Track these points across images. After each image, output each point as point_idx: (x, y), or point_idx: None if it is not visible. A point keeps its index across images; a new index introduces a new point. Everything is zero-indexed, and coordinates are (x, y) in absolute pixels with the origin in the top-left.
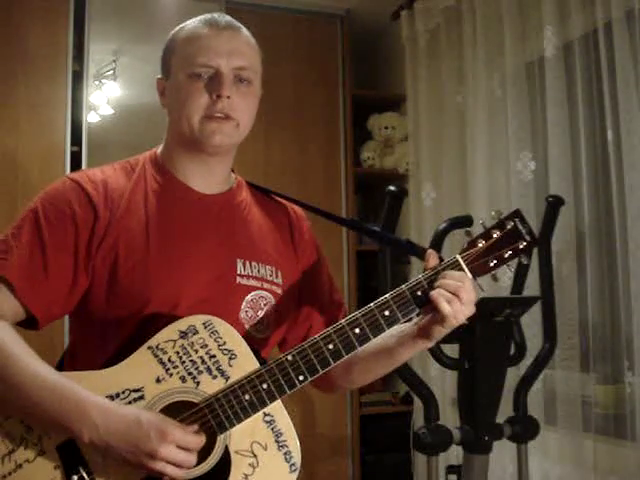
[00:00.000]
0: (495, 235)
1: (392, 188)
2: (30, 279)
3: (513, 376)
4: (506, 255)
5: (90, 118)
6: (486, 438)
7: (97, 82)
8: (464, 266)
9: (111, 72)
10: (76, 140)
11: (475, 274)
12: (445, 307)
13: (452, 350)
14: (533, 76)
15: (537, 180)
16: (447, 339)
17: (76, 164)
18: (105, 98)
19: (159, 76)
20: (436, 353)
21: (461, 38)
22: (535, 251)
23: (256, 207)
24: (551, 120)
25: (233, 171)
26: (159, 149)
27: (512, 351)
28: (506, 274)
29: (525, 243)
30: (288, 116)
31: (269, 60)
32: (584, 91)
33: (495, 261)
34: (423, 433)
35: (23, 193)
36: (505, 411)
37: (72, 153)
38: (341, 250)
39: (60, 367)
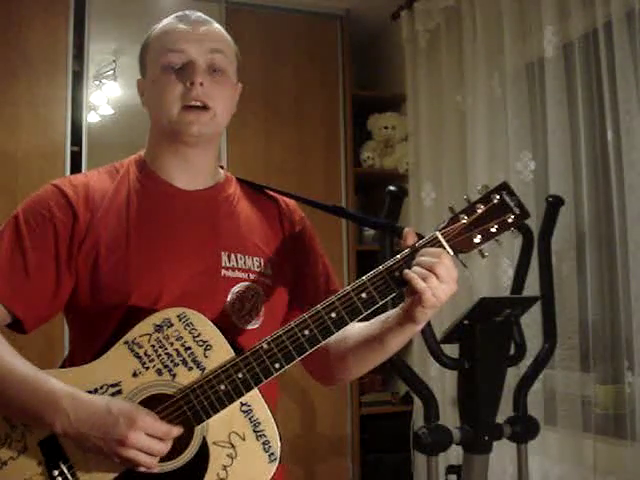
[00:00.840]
0: (479, 210)
1: (392, 188)
2: (11, 281)
3: (513, 376)
4: (493, 229)
5: (90, 118)
6: (486, 438)
7: (97, 82)
8: (444, 242)
9: (111, 72)
10: (76, 140)
11: (457, 251)
12: (420, 284)
13: (452, 350)
14: (533, 76)
15: (537, 180)
16: (447, 339)
17: (76, 164)
18: (105, 98)
19: (138, 77)
20: (436, 353)
21: (461, 38)
22: (535, 251)
23: (245, 201)
24: (551, 120)
25: (222, 167)
26: (143, 151)
27: (512, 351)
28: (506, 273)
29: (514, 216)
30: (288, 116)
31: (269, 60)
32: (584, 91)
33: (480, 236)
34: (423, 433)
35: (23, 193)
36: (505, 411)
37: (72, 153)
38: (341, 250)
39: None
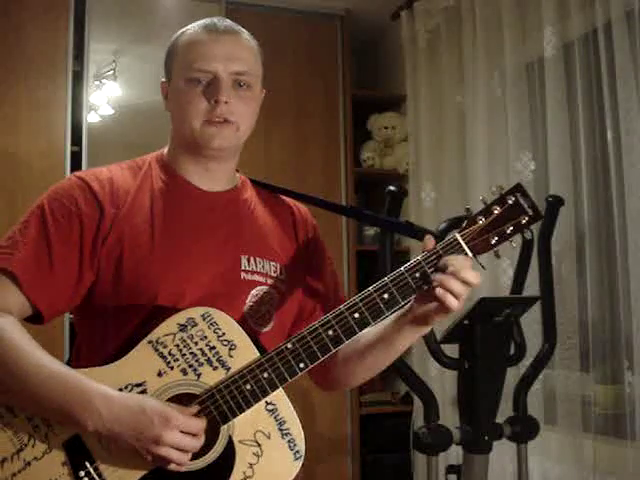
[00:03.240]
0: (496, 211)
1: (392, 188)
2: (35, 273)
3: (513, 376)
4: (508, 231)
5: (90, 118)
6: (486, 438)
7: (97, 82)
8: (463, 244)
9: (111, 72)
10: (76, 140)
11: (476, 252)
12: (449, 297)
13: (452, 350)
14: (533, 76)
15: (537, 180)
16: (447, 339)
17: (76, 164)
18: (105, 98)
19: (163, 79)
20: (436, 353)
21: (461, 38)
22: (535, 251)
23: (261, 205)
24: (551, 120)
25: (237, 171)
26: (165, 149)
27: (512, 351)
28: (506, 273)
29: (527, 218)
30: (288, 116)
31: (269, 60)
32: (584, 91)
33: (497, 237)
34: (423, 433)
35: (23, 193)
36: (505, 411)
37: (72, 153)
38: (341, 250)
39: (68, 365)
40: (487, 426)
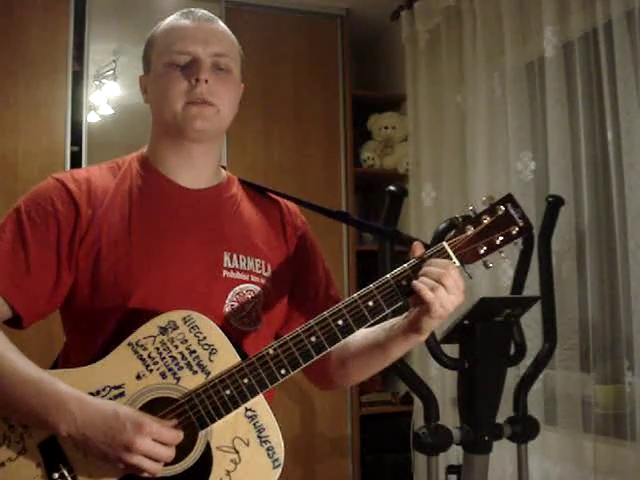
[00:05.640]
0: (485, 221)
1: (392, 188)
2: (12, 275)
3: (513, 376)
4: (497, 241)
5: (90, 118)
6: (486, 438)
7: (97, 82)
8: (451, 253)
9: (111, 72)
10: (76, 140)
11: (463, 261)
12: (429, 295)
13: (452, 350)
14: (533, 76)
15: (537, 180)
16: (447, 339)
17: (76, 164)
18: (105, 98)
19: (141, 74)
20: (436, 353)
21: (461, 38)
22: (535, 251)
23: (247, 202)
24: (551, 120)
25: (225, 168)
26: (145, 148)
27: (512, 351)
28: (506, 273)
29: (517, 228)
30: (288, 116)
31: (269, 60)
32: (584, 91)
33: (485, 247)
34: (423, 433)
35: (23, 193)
36: (505, 411)
37: (72, 153)
38: (341, 250)
39: (55, 368)
40: (487, 426)
